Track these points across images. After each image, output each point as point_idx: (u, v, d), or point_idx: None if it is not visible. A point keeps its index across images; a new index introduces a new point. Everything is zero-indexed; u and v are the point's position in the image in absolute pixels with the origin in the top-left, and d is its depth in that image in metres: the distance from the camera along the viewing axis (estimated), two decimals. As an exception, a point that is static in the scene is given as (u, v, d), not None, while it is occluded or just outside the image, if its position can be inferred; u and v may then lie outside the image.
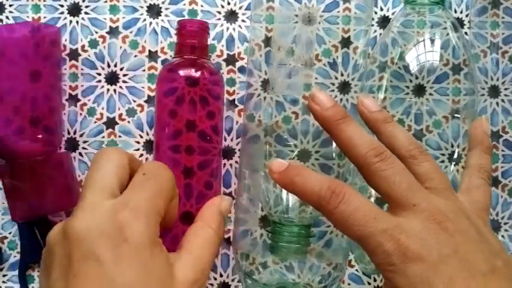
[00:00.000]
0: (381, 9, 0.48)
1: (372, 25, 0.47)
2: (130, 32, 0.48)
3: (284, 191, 0.39)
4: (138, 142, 0.47)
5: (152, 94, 0.47)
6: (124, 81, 0.47)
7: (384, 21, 0.48)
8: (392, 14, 0.48)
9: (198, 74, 0.42)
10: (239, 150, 0.46)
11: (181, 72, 0.42)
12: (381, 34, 0.47)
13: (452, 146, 0.41)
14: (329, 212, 0.31)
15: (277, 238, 0.39)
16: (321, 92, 0.35)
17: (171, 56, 0.47)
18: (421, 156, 0.34)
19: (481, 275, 0.29)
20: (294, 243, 0.39)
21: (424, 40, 0.41)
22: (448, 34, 0.41)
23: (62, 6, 0.48)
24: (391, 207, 0.32)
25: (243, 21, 0.48)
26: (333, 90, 0.40)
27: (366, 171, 0.33)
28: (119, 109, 0.47)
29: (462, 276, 0.29)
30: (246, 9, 0.48)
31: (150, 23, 0.48)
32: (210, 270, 0.33)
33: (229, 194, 0.47)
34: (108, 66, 0.47)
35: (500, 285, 0.29)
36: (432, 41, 0.41)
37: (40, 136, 0.44)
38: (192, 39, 0.43)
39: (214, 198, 0.36)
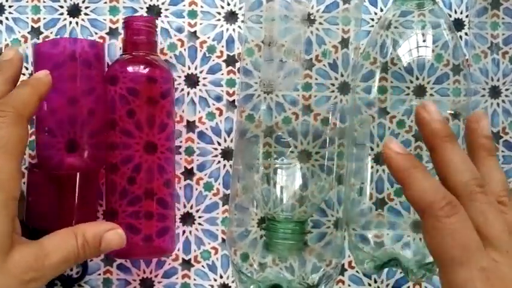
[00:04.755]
0: (381, 10, 0.48)
1: (372, 26, 0.47)
2: (130, 33, 0.48)
3: (278, 188, 0.39)
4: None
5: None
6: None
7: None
8: (393, 15, 0.48)
9: (146, 71, 0.43)
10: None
11: (130, 69, 0.43)
12: (381, 35, 0.47)
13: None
14: (435, 217, 0.30)
15: (272, 235, 0.39)
16: (434, 105, 0.34)
17: (170, 56, 0.47)
18: (510, 203, 0.33)
19: None
20: (289, 240, 0.39)
21: (424, 41, 0.41)
22: (447, 35, 0.41)
23: (61, 7, 0.48)
24: (484, 244, 0.31)
25: (242, 21, 0.48)
26: (333, 91, 0.40)
27: (464, 198, 0.32)
28: (119, 110, 0.47)
29: None
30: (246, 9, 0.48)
31: (150, 24, 0.48)
32: (54, 273, 0.33)
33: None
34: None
35: None
36: (433, 42, 0.41)
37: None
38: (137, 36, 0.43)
39: (109, 224, 0.37)
